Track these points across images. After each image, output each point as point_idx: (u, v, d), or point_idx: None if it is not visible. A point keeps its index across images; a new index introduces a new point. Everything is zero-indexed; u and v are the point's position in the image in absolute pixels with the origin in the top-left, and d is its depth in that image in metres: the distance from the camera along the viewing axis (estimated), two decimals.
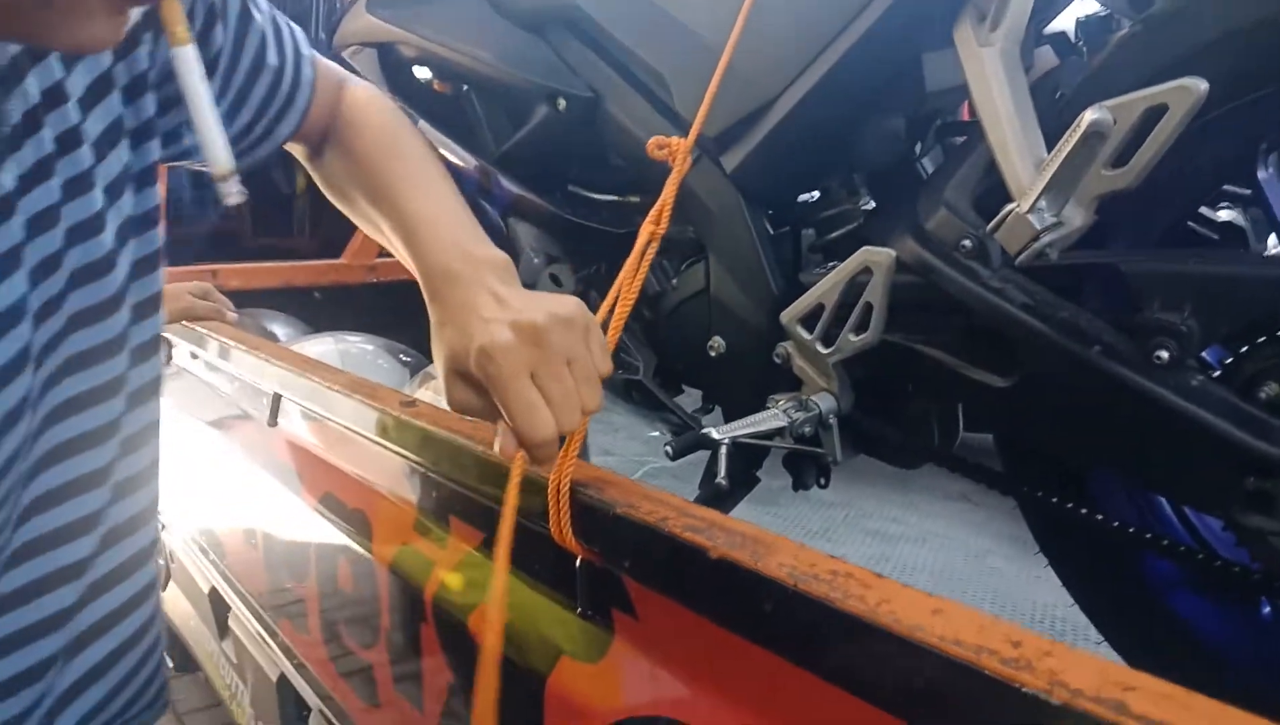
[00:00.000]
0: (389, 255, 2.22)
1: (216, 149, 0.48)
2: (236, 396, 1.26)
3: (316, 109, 0.69)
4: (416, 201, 0.64)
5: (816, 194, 1.08)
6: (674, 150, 0.74)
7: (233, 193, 0.48)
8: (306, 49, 0.69)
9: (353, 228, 2.20)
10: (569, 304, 0.57)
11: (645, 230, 0.66)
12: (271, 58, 0.65)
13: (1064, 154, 0.60)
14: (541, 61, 1.10)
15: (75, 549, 0.56)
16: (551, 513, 0.61)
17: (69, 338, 0.53)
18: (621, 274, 0.65)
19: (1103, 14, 0.82)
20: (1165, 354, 0.65)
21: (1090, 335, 0.69)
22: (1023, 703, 0.36)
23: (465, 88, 1.23)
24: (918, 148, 1.02)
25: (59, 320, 0.52)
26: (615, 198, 1.16)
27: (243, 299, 1.82)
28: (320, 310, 1.93)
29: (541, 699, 0.67)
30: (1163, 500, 0.87)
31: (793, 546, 0.49)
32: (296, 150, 0.74)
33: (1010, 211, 0.64)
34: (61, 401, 0.53)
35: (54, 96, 0.50)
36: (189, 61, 0.48)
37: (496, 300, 0.57)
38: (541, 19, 1.10)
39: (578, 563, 0.63)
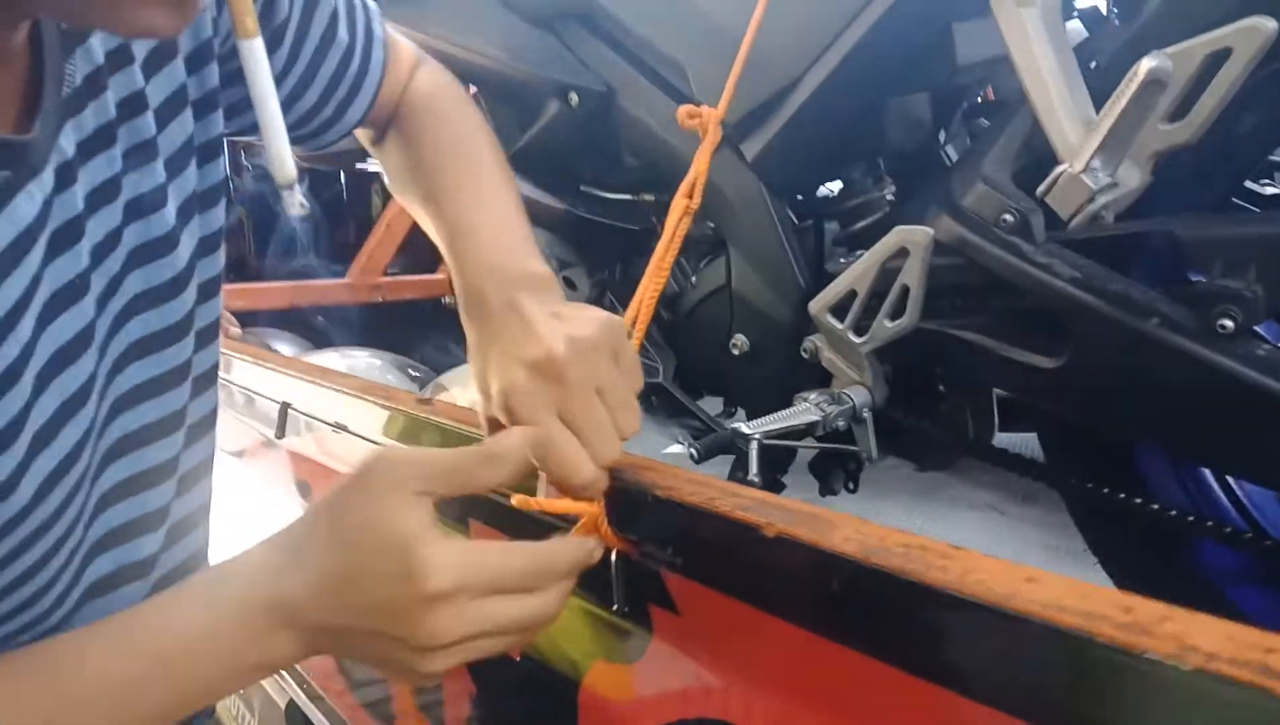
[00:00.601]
0: (394, 274, 2.20)
1: (281, 157, 0.44)
2: (241, 410, 1.22)
3: (386, 92, 0.65)
4: (464, 209, 0.59)
5: (838, 187, 1.05)
6: (705, 120, 0.71)
7: (295, 204, 0.44)
8: (379, 27, 0.65)
9: (356, 248, 2.17)
10: (593, 322, 0.50)
11: (678, 204, 0.63)
12: (342, 33, 0.61)
13: (1119, 108, 0.57)
14: (553, 56, 1.07)
15: (143, 545, 0.53)
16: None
17: (133, 320, 0.49)
18: (654, 254, 0.62)
19: None
20: (1230, 323, 0.61)
21: (1145, 307, 0.65)
22: (1149, 672, 0.32)
23: (473, 89, 1.20)
24: (941, 136, 1.00)
25: (120, 300, 0.48)
26: (629, 196, 1.13)
27: (246, 319, 1.79)
28: (325, 329, 1.90)
29: (575, 705, 0.62)
30: (1214, 485, 0.83)
31: (856, 521, 0.45)
32: (361, 134, 0.70)
33: (1062, 173, 0.60)
34: (129, 388, 0.50)
35: (119, 58, 0.46)
36: (257, 57, 0.45)
37: (521, 328, 0.51)
38: (553, 14, 1.08)
39: (613, 556, 0.59)
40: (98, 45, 0.45)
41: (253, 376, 1.13)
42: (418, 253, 2.18)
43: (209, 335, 0.56)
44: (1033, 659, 0.36)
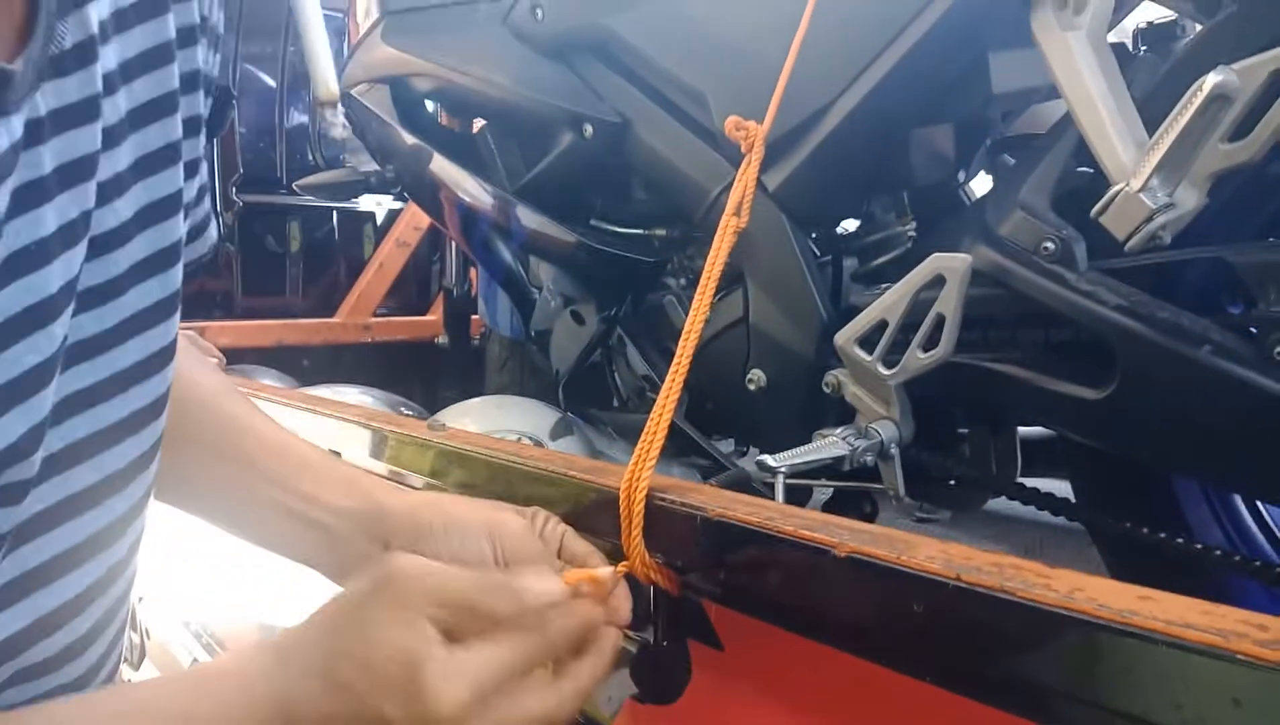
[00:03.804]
0: (385, 314, 2.16)
1: (326, 77, 0.41)
2: None
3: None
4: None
5: (855, 224, 1.04)
6: (751, 134, 0.69)
7: (337, 125, 0.41)
8: None
9: (347, 287, 2.14)
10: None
11: (726, 221, 0.61)
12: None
13: (1180, 125, 0.55)
14: (567, 88, 1.06)
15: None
16: (624, 525, 0.53)
17: (83, 315, 0.45)
18: (703, 273, 0.59)
19: (1168, 19, 0.79)
20: None
21: (1198, 335, 0.63)
22: None
23: (484, 122, 1.19)
24: (961, 175, 0.99)
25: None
26: (641, 231, 1.11)
27: (233, 357, 1.75)
28: (313, 368, 1.85)
29: None
30: (1252, 524, 0.80)
31: (936, 542, 0.42)
32: None
33: (1119, 192, 0.59)
34: (70, 393, 0.45)
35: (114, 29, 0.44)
36: None
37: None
38: (567, 45, 1.07)
39: (653, 588, 0.55)
40: (93, 14, 0.42)
41: None
42: (407, 294, 2.15)
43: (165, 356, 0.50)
44: (1159, 683, 0.32)
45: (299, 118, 2.08)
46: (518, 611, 0.43)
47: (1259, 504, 0.81)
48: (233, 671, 0.43)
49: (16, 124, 0.38)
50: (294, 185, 1.69)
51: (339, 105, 0.39)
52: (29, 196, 0.39)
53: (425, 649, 0.40)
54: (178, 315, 0.49)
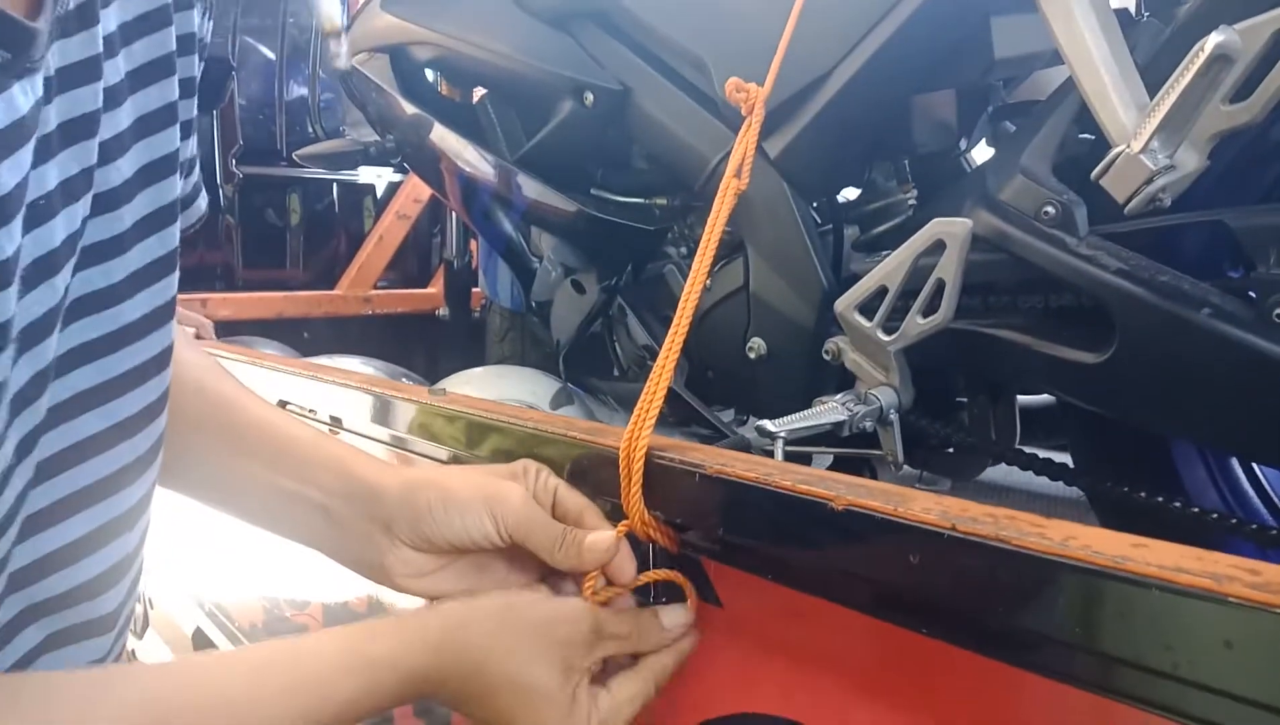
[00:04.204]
0: (385, 287, 2.16)
1: (330, 9, 0.41)
2: None
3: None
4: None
5: (856, 192, 1.04)
6: (751, 97, 0.69)
7: (339, 55, 0.42)
8: None
9: (347, 260, 2.13)
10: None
11: (727, 184, 0.60)
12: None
13: (1182, 86, 0.55)
14: (568, 56, 1.05)
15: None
16: (623, 483, 0.54)
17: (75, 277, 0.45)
18: (702, 238, 0.59)
19: None
20: None
21: (1197, 298, 0.63)
22: None
23: (484, 91, 1.18)
24: (962, 143, 0.98)
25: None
26: (642, 200, 1.11)
27: (233, 329, 1.75)
28: (314, 341, 1.85)
29: None
30: (1249, 488, 0.81)
31: (932, 495, 0.43)
32: None
33: (1119, 154, 0.58)
34: (66, 349, 0.45)
35: None
36: None
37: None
38: (568, 13, 1.06)
39: (651, 546, 0.56)
40: None
41: (246, 375, 1.09)
42: (408, 267, 2.15)
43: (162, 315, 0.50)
44: (1154, 628, 0.33)
45: (299, 90, 2.07)
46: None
47: (1255, 467, 0.82)
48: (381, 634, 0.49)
49: (39, 81, 0.38)
50: (293, 154, 1.68)
51: (342, 35, 0.39)
52: (36, 152, 0.39)
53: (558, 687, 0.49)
54: (176, 272, 0.50)
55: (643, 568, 0.56)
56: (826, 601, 0.47)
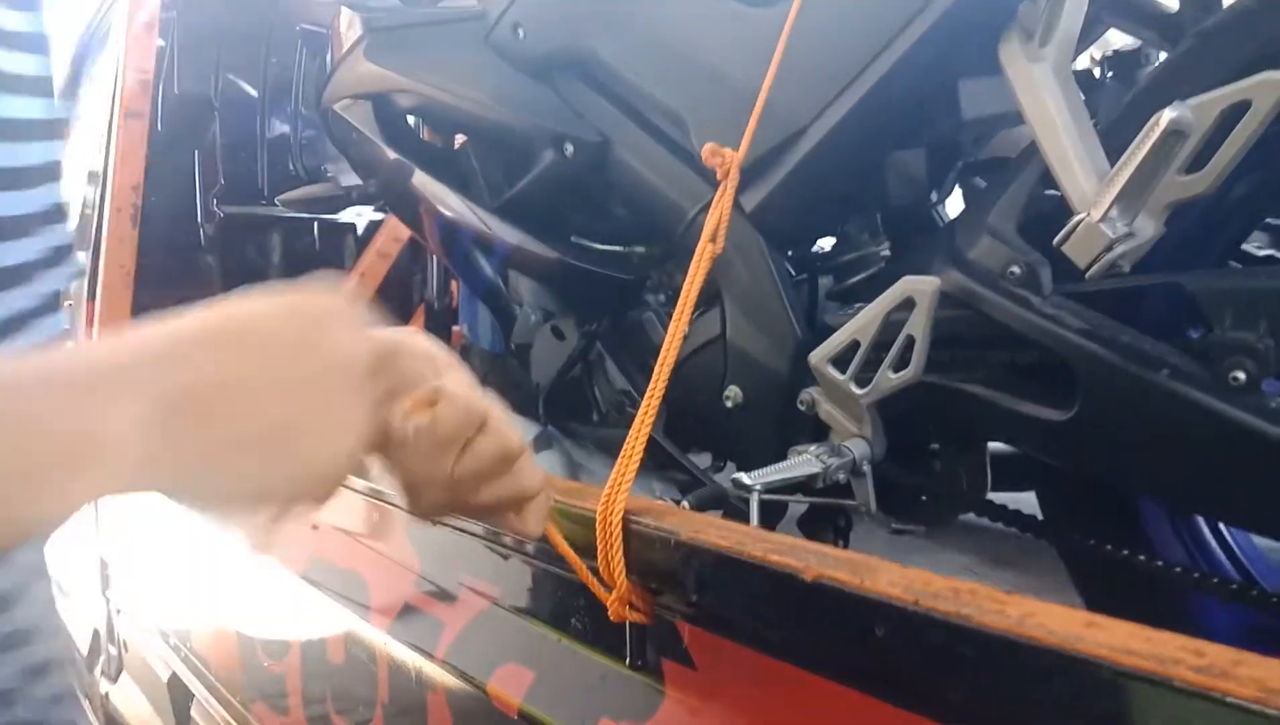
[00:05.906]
0: None
1: None
2: None
3: None
4: None
5: (830, 243, 1.06)
6: (727, 162, 0.71)
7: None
8: None
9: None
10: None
11: (703, 248, 0.62)
12: None
13: (1139, 158, 0.57)
14: (548, 106, 1.07)
15: None
16: (600, 548, 0.55)
17: None
18: (680, 298, 0.61)
19: (1133, 47, 0.82)
20: (1242, 375, 0.62)
21: (1156, 359, 0.65)
22: (1231, 718, 0.30)
23: (465, 139, 1.20)
24: (934, 196, 1.01)
25: None
26: (620, 249, 1.13)
27: None
28: None
29: None
30: (1212, 541, 0.83)
31: (898, 567, 0.44)
32: None
33: (1080, 222, 0.61)
34: None
35: None
36: None
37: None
38: (548, 65, 1.08)
39: (628, 608, 0.56)
40: None
41: None
42: (388, 306, 2.15)
43: None
44: (1100, 706, 0.34)
45: (281, 128, 2.08)
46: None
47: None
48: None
49: None
50: (276, 200, 1.69)
51: None
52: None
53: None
54: None
55: (616, 626, 0.57)
56: (797, 668, 0.48)
